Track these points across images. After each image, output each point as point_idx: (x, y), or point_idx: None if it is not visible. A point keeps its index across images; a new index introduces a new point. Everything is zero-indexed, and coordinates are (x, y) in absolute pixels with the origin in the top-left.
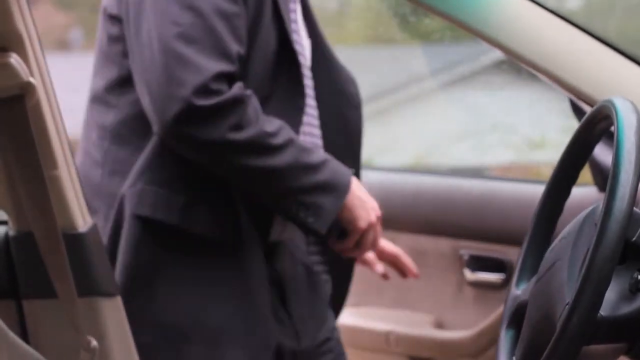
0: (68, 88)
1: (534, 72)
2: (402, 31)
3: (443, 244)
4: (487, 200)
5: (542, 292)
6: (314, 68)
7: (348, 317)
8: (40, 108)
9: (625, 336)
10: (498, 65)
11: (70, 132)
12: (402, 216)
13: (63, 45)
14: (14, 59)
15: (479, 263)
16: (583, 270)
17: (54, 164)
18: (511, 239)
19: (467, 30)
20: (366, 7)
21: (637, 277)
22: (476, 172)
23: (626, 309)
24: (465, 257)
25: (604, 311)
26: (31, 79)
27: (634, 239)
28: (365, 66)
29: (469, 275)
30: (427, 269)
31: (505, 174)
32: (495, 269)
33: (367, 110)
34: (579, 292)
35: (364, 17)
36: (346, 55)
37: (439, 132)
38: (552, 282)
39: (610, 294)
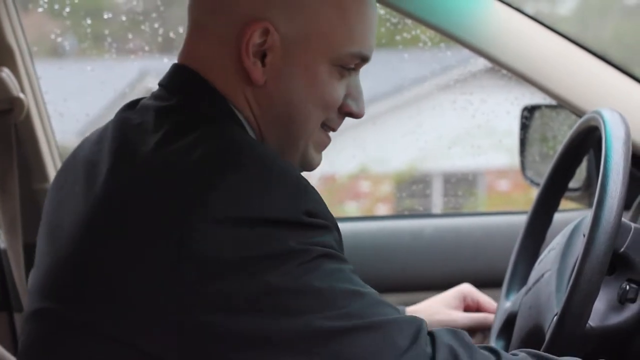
0: (61, 95)
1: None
2: (395, 35)
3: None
4: (443, 240)
5: (531, 303)
6: None
7: None
8: (31, 122)
9: (614, 347)
10: (492, 69)
11: (61, 139)
12: None
13: (56, 52)
14: (5, 73)
15: None
16: (572, 281)
17: (44, 177)
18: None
19: (457, 42)
20: None
21: (626, 287)
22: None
23: (615, 319)
24: None
25: (592, 322)
26: (21, 95)
27: (622, 249)
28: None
29: None
30: None
31: (500, 177)
32: None
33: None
34: (567, 303)
35: None
36: None
37: (433, 137)
38: (541, 292)
39: (599, 305)
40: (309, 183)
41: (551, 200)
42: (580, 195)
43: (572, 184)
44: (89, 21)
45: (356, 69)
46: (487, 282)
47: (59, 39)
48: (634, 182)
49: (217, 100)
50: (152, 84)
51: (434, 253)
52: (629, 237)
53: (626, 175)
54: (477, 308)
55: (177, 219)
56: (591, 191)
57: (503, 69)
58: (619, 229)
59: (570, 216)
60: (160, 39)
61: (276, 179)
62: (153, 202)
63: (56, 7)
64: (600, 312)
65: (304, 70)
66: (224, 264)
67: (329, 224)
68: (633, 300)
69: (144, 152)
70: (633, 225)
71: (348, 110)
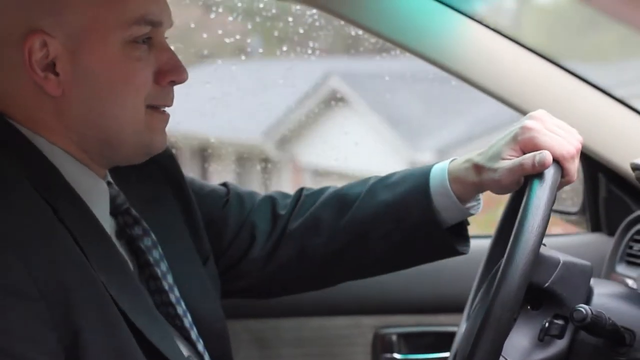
0: None
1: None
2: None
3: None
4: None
5: (467, 333)
6: None
7: None
8: None
9: None
10: None
11: None
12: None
13: None
14: None
15: (414, 342)
16: (482, 319)
17: None
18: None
19: (431, 63)
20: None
21: (545, 324)
22: None
23: (538, 356)
24: (392, 337)
25: (512, 359)
26: None
27: (547, 284)
28: None
29: None
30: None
31: None
32: (439, 347)
33: None
34: (475, 341)
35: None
36: None
37: None
38: (473, 325)
39: (523, 341)
40: None
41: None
42: (579, 219)
43: (570, 208)
44: None
45: (154, 38)
46: (450, 307)
47: None
48: (620, 207)
49: None
50: (336, 85)
51: (395, 277)
52: (556, 272)
53: (547, 211)
54: None
55: None
56: (588, 216)
57: (479, 90)
58: (533, 265)
59: (564, 241)
60: None
61: None
62: None
63: None
64: (524, 348)
65: (96, 63)
66: None
67: None
68: (560, 337)
69: None
70: (562, 259)
71: (169, 79)
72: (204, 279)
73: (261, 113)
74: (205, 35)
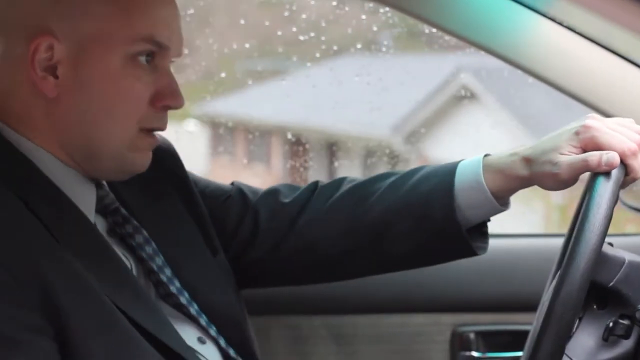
0: None
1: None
2: None
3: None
4: (492, 261)
5: (530, 336)
6: None
7: None
8: None
9: None
10: None
11: None
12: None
13: None
14: None
15: (492, 340)
16: (542, 318)
17: None
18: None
19: (504, 60)
20: None
21: (609, 324)
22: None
23: (604, 356)
24: (470, 336)
25: (578, 358)
26: None
27: (611, 284)
28: None
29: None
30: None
31: None
32: (516, 346)
33: None
34: (537, 341)
35: None
36: None
37: None
38: (536, 325)
39: (589, 341)
40: None
41: None
42: None
43: None
44: None
45: (159, 61)
46: (527, 305)
47: None
48: None
49: None
50: (466, 80)
51: (474, 275)
52: (621, 271)
53: (609, 209)
54: None
55: None
56: None
57: (553, 88)
58: (594, 264)
59: None
60: None
61: None
62: None
63: None
64: (590, 348)
65: (97, 73)
66: None
67: None
68: (626, 337)
69: None
70: (627, 258)
71: (164, 103)
72: (213, 267)
73: (390, 108)
74: (336, 31)
